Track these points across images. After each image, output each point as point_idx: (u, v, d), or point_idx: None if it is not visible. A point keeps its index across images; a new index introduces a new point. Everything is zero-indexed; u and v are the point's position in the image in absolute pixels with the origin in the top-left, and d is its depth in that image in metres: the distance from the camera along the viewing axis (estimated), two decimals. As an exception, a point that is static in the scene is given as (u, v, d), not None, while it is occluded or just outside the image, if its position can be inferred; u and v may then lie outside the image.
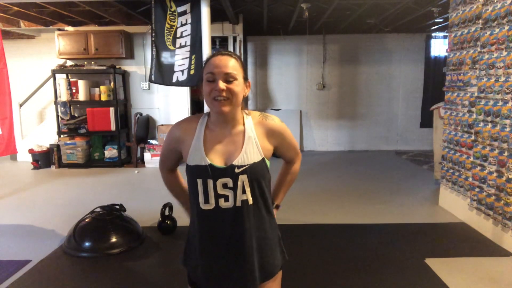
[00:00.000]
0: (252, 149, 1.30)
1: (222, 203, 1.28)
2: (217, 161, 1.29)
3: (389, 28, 6.90)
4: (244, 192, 1.28)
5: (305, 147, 7.96)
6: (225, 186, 1.27)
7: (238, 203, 1.28)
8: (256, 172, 1.29)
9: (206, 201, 1.29)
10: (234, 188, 1.27)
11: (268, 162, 1.36)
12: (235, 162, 1.27)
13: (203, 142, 1.31)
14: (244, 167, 1.27)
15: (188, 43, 4.30)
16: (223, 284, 1.35)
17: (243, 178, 1.27)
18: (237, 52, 6.51)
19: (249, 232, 1.31)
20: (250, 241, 1.31)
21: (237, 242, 1.31)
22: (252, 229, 1.32)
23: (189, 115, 6.69)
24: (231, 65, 1.26)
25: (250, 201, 1.30)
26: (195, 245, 1.38)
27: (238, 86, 1.27)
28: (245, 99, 1.37)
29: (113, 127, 6.25)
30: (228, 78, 1.25)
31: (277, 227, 1.45)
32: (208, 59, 1.29)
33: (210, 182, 1.27)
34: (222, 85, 1.23)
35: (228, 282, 1.34)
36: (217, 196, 1.28)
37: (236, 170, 1.27)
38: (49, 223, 3.78)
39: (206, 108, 1.39)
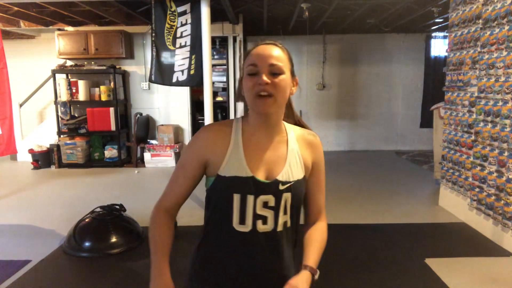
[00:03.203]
0: (296, 163, 1.10)
1: (259, 225, 1.06)
2: (259, 174, 1.06)
3: (389, 28, 6.90)
4: (285, 213, 1.08)
5: (305, 147, 7.95)
6: (265, 205, 1.05)
7: (280, 227, 1.07)
8: (299, 192, 1.10)
9: (242, 221, 1.05)
10: (275, 208, 1.06)
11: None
12: (279, 177, 1.07)
13: (243, 149, 1.07)
14: (289, 184, 1.07)
15: (188, 43, 4.30)
16: None
17: (286, 197, 1.07)
18: (237, 52, 6.51)
19: (286, 263, 1.11)
20: (288, 273, 1.11)
21: (271, 272, 1.09)
22: (287, 259, 1.12)
23: (190, 115, 6.69)
24: (277, 55, 1.05)
25: (288, 224, 1.10)
26: (209, 273, 1.13)
27: (284, 81, 1.04)
28: (289, 102, 1.15)
29: (113, 127, 6.25)
30: (273, 71, 1.03)
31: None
32: (250, 50, 1.10)
33: (250, 199, 1.04)
34: (266, 77, 1.01)
35: None
36: (255, 216, 1.05)
37: (280, 187, 1.06)
38: (49, 223, 3.77)
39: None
